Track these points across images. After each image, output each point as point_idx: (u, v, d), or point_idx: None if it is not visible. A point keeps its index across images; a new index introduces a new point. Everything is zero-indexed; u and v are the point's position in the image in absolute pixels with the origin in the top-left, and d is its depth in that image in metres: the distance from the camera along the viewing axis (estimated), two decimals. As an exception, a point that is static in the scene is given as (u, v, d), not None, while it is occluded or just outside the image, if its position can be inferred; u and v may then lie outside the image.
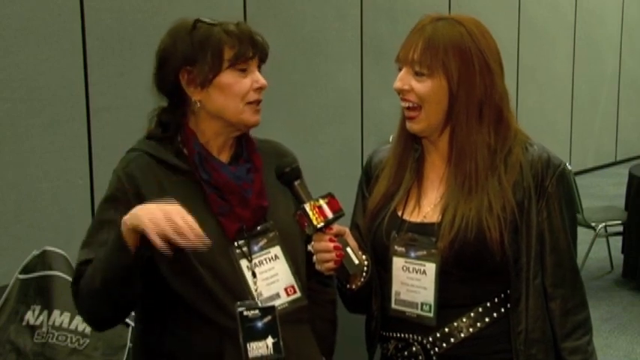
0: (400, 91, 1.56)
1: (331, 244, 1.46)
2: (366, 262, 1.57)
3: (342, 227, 1.50)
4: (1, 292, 2.47)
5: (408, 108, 1.56)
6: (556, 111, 8.77)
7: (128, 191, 1.53)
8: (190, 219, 1.39)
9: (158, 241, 1.37)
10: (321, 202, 1.47)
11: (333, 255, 1.46)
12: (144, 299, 1.56)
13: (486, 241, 1.50)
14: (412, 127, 1.57)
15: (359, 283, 1.58)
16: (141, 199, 1.50)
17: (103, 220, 1.55)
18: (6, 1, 3.77)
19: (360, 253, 1.53)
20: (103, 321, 1.61)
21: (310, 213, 1.46)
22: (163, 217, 1.38)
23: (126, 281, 1.47)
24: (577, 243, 1.65)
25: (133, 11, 4.37)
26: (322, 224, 1.46)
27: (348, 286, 1.59)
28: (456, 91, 1.52)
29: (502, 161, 1.55)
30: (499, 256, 1.51)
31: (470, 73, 1.52)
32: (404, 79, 1.55)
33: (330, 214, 1.46)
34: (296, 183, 1.52)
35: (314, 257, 1.50)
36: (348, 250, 1.48)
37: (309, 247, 1.51)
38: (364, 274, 1.58)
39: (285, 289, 1.59)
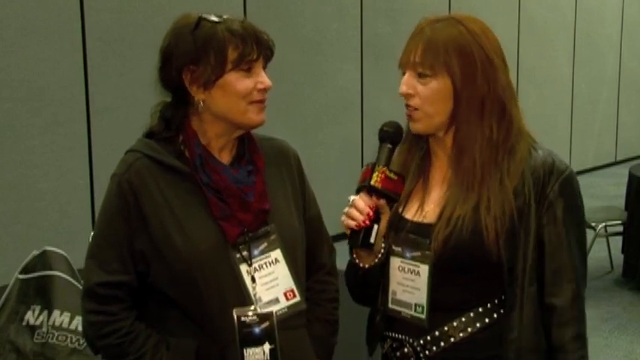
0: (405, 96, 1.55)
1: (367, 209, 1.49)
2: (382, 250, 1.57)
3: (387, 208, 1.52)
4: (1, 292, 2.47)
5: (409, 108, 1.55)
6: (556, 111, 8.76)
7: (130, 204, 1.51)
8: None
9: None
10: (392, 175, 1.51)
11: (361, 218, 1.49)
12: (142, 304, 1.56)
13: (482, 240, 1.48)
14: (415, 127, 1.56)
15: (371, 263, 1.57)
16: (140, 212, 1.50)
17: (107, 238, 1.54)
18: (6, 1, 3.77)
19: (381, 239, 1.54)
20: None
21: (376, 172, 1.49)
22: None
23: None
24: (586, 252, 1.59)
25: (133, 11, 4.37)
26: (378, 187, 1.49)
27: (360, 264, 1.58)
28: (460, 89, 1.51)
29: (506, 157, 1.53)
30: (495, 257, 1.49)
31: (472, 70, 1.51)
32: (408, 82, 1.54)
33: (389, 187, 1.50)
34: (386, 144, 1.54)
35: (345, 208, 1.51)
36: (375, 226, 1.51)
37: (350, 197, 1.52)
38: (376, 259, 1.57)
39: (285, 294, 1.58)
